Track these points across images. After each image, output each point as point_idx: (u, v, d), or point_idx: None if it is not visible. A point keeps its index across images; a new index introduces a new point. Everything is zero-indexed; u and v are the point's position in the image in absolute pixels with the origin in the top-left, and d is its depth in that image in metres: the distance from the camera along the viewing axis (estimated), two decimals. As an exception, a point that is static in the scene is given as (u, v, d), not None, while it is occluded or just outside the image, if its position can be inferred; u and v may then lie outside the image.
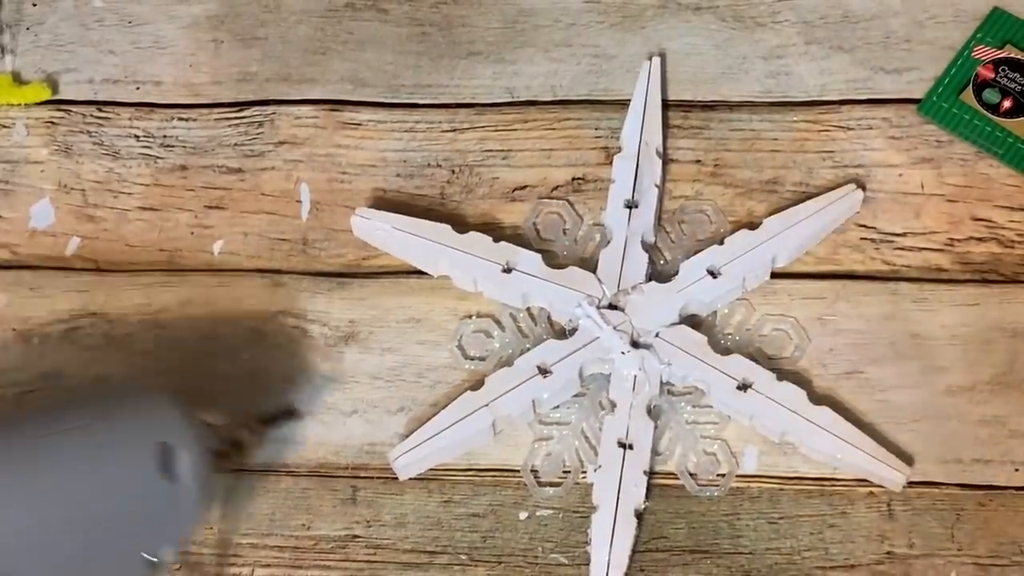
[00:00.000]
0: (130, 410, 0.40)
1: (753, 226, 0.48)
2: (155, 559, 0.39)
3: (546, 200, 0.50)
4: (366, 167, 0.51)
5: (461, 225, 0.49)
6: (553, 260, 0.48)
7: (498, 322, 0.48)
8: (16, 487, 0.37)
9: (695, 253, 0.48)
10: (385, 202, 0.50)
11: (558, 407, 0.47)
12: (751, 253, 0.47)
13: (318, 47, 0.53)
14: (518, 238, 0.49)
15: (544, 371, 0.46)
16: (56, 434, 0.38)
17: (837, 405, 0.45)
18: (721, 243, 0.48)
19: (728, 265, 0.47)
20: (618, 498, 0.44)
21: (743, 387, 0.45)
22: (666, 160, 0.50)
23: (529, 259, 0.48)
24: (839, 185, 0.49)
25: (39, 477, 0.37)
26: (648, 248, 0.48)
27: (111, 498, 0.38)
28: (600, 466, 0.45)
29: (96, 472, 0.38)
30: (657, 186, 0.49)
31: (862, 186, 0.49)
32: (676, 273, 0.48)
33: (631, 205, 0.49)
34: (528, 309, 0.48)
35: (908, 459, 0.45)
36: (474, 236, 0.48)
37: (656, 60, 0.51)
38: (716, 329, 0.47)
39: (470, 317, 0.48)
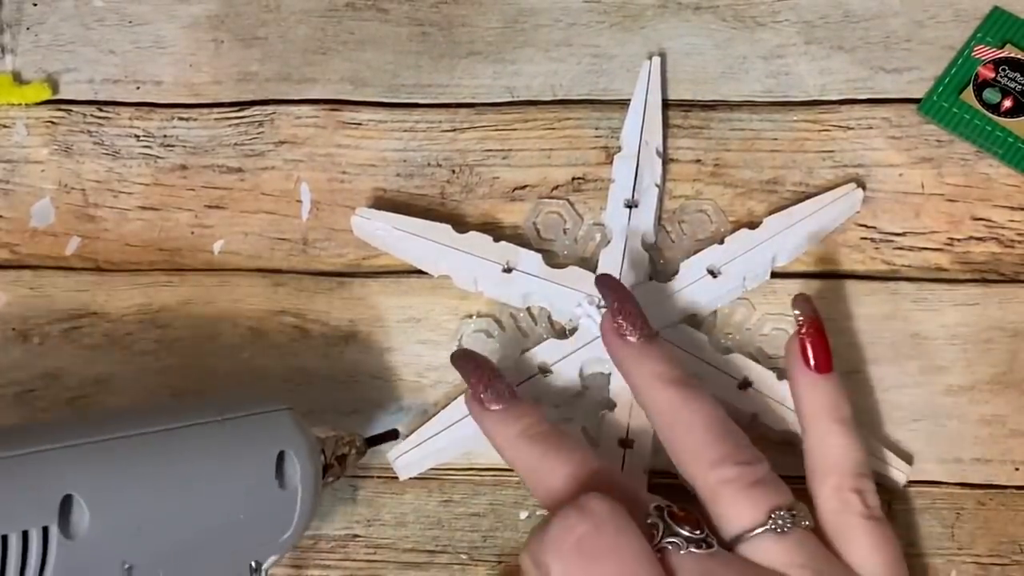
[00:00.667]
0: (249, 415, 0.40)
1: (753, 225, 0.48)
2: (263, 566, 0.40)
3: (546, 200, 0.50)
4: (366, 167, 0.51)
5: (461, 225, 0.49)
6: (553, 260, 0.48)
7: (498, 322, 0.48)
8: (140, 474, 0.37)
9: (695, 253, 0.48)
10: (385, 201, 0.50)
11: (559, 406, 0.47)
12: (751, 252, 0.47)
13: (318, 47, 0.53)
14: (518, 238, 0.49)
15: (544, 371, 0.46)
16: (179, 428, 0.38)
17: (837, 405, 0.46)
18: (721, 243, 0.48)
19: (728, 264, 0.47)
20: (618, 497, 0.44)
21: (743, 386, 0.45)
22: (666, 160, 0.50)
23: (529, 259, 0.48)
24: (839, 185, 0.49)
25: (162, 467, 0.37)
26: (648, 248, 0.48)
27: (227, 497, 0.38)
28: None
29: (216, 469, 0.38)
30: (657, 186, 0.49)
31: (862, 185, 0.49)
32: (676, 273, 0.48)
33: (631, 205, 0.49)
34: (528, 309, 0.48)
35: (908, 458, 0.45)
36: (474, 236, 0.48)
37: (656, 60, 0.51)
38: (716, 328, 0.47)
39: (471, 317, 0.48)
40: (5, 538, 0.34)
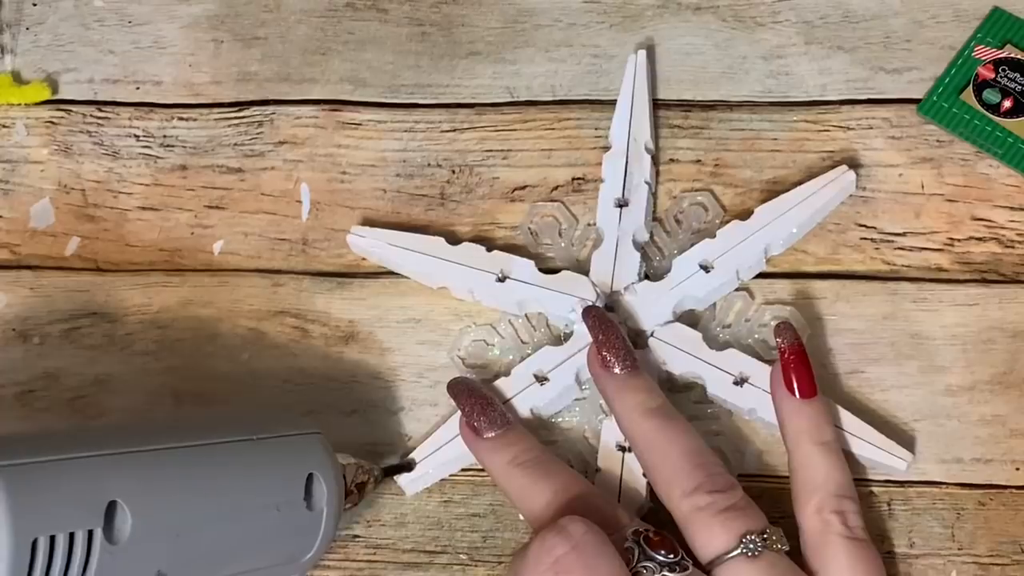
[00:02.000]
0: (281, 436, 0.41)
1: (745, 217, 0.48)
2: None
3: (541, 203, 0.50)
4: (366, 167, 0.51)
5: (461, 226, 0.49)
6: (550, 263, 0.48)
7: (496, 329, 0.48)
8: (181, 485, 0.38)
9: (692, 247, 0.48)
10: (384, 202, 0.50)
11: (558, 413, 0.47)
12: (743, 244, 0.47)
13: (318, 47, 0.53)
14: (516, 240, 0.49)
15: (541, 379, 0.46)
16: (217, 444, 0.39)
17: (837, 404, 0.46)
18: (713, 236, 0.47)
19: (720, 258, 0.47)
20: (619, 500, 0.44)
21: (740, 382, 0.45)
22: (659, 158, 0.50)
23: (522, 266, 0.47)
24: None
25: (201, 480, 0.38)
26: (640, 247, 0.48)
27: (259, 513, 0.39)
28: (599, 469, 0.45)
29: (250, 485, 0.39)
30: (647, 183, 0.48)
31: (854, 167, 0.48)
32: (670, 270, 0.47)
33: (622, 204, 0.48)
34: (526, 315, 0.48)
35: (909, 443, 0.45)
36: (467, 247, 0.48)
37: (642, 53, 0.50)
38: (715, 323, 0.47)
39: (469, 326, 0.48)
40: (53, 539, 0.34)
